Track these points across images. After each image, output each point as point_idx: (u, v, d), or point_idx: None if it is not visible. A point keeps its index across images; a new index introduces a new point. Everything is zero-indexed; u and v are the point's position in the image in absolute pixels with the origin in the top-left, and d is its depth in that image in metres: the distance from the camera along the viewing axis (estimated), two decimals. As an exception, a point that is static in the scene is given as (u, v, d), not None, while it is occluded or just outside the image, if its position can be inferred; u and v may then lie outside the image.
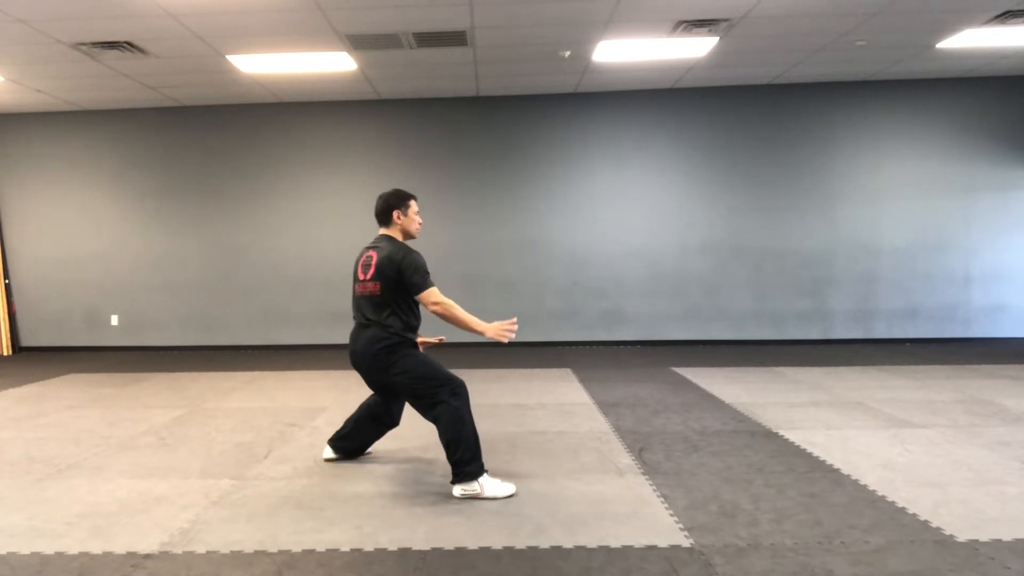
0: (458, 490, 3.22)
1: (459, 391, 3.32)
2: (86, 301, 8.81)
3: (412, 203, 3.56)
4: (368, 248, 3.53)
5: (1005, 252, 8.26)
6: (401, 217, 3.51)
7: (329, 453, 3.82)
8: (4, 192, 8.85)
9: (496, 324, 3.35)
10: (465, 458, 3.23)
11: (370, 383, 3.59)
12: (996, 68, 7.78)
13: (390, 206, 3.51)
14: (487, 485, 3.21)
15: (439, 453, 3.91)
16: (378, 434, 3.81)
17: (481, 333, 3.34)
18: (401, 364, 3.36)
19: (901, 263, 8.31)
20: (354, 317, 3.53)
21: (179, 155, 8.68)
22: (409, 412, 4.98)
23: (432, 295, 3.35)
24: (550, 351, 8.09)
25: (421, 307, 3.49)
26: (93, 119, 8.69)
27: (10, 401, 5.64)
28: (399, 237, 3.53)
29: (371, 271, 3.41)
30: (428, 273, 3.38)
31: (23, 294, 8.89)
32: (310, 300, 8.63)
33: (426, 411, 3.35)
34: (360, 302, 3.47)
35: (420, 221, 3.58)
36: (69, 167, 8.75)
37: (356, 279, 3.51)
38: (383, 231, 3.56)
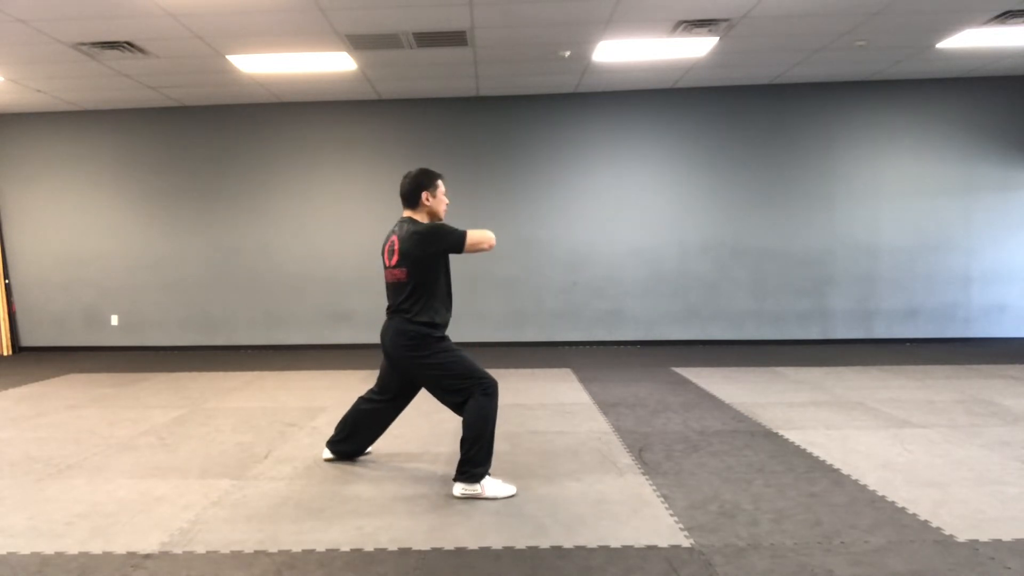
0: (459, 488, 3.20)
1: (490, 391, 3.25)
2: (86, 301, 8.81)
3: (440, 183, 3.39)
4: (392, 232, 3.41)
5: (1005, 252, 8.26)
6: (430, 199, 3.35)
7: (328, 454, 3.82)
8: (4, 192, 8.85)
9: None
10: (476, 459, 3.19)
11: (396, 376, 3.50)
12: (996, 68, 7.78)
13: (419, 186, 3.34)
14: (488, 486, 3.20)
15: (439, 453, 3.92)
16: (375, 435, 3.78)
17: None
18: (433, 359, 3.28)
19: (901, 263, 8.31)
20: (387, 306, 3.43)
21: (179, 155, 8.68)
22: (408, 412, 4.98)
23: (472, 237, 3.22)
24: (550, 351, 8.09)
25: (452, 296, 3.43)
26: (93, 119, 8.69)
27: (10, 401, 5.64)
28: (425, 220, 3.37)
29: (396, 256, 3.30)
30: (456, 229, 3.27)
31: (23, 294, 8.89)
32: (310, 300, 8.63)
33: (454, 407, 3.31)
34: (389, 289, 3.39)
35: (447, 202, 3.42)
36: (69, 167, 8.75)
37: (384, 266, 3.41)
38: (407, 213, 3.39)
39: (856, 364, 6.79)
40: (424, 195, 3.35)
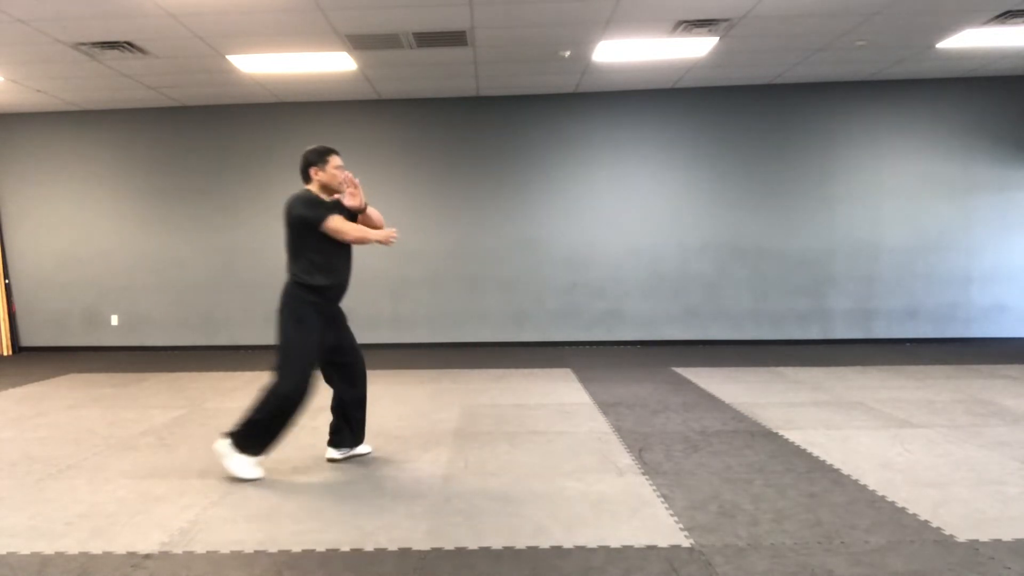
0: (220, 445, 3.42)
1: (291, 394, 3.34)
2: (86, 301, 8.81)
3: (332, 158, 3.59)
4: None
5: (1005, 252, 8.26)
6: (319, 172, 3.56)
7: (333, 454, 3.83)
8: (4, 192, 8.85)
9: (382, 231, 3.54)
10: (249, 433, 3.38)
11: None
12: (996, 68, 7.78)
13: (308, 163, 3.59)
14: (235, 460, 3.39)
15: (439, 453, 3.93)
16: (358, 409, 3.80)
17: (372, 240, 3.50)
18: (284, 322, 3.47)
19: (901, 263, 8.31)
20: None
21: (179, 155, 8.68)
22: (409, 411, 4.98)
23: (332, 222, 3.44)
24: (550, 351, 8.09)
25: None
26: (93, 119, 8.69)
27: (10, 401, 5.64)
28: (321, 193, 3.58)
29: None
30: (321, 206, 3.47)
31: (23, 294, 8.89)
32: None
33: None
34: None
35: (343, 175, 3.56)
36: (69, 167, 8.75)
37: None
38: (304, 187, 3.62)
39: (856, 364, 6.78)
40: (312, 170, 3.59)
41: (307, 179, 3.62)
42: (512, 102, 8.44)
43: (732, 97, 8.30)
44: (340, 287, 3.64)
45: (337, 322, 3.68)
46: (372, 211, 3.68)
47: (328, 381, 3.79)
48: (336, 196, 3.62)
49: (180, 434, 4.44)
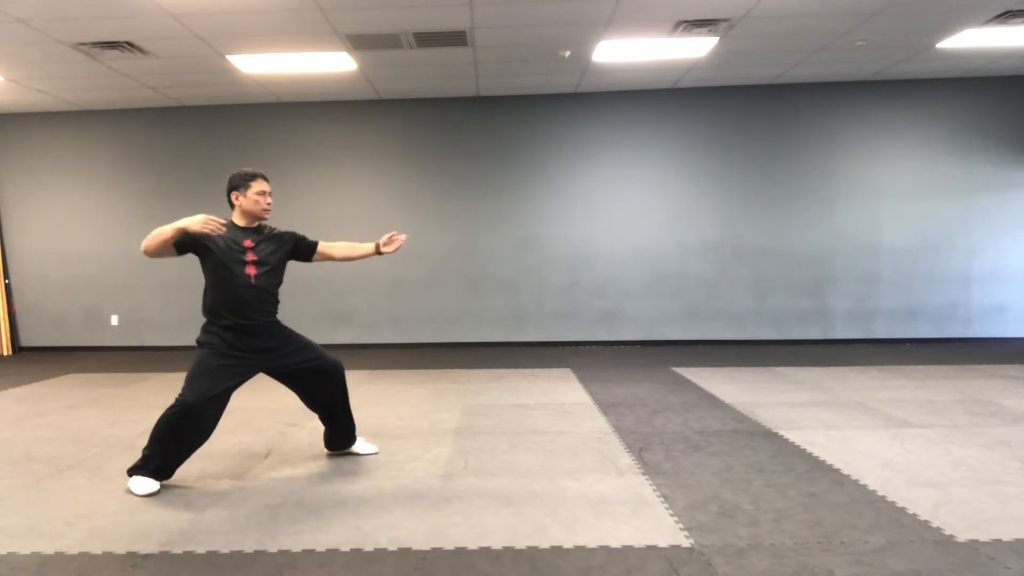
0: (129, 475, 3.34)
1: (181, 412, 3.28)
2: (86, 301, 8.81)
3: (255, 183, 3.37)
4: None
5: (1005, 252, 8.26)
6: (240, 198, 3.38)
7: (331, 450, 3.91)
8: (4, 192, 8.85)
9: (199, 217, 3.22)
10: (145, 454, 3.31)
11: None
12: (996, 68, 7.78)
13: (230, 187, 3.40)
14: (132, 481, 3.29)
15: (439, 453, 3.93)
16: (341, 411, 3.77)
17: (184, 230, 3.22)
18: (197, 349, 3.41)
19: (901, 263, 8.31)
20: None
21: (179, 155, 8.68)
22: (409, 411, 4.98)
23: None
24: (550, 351, 8.09)
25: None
26: (93, 119, 8.70)
27: (10, 401, 5.64)
28: (242, 220, 3.42)
29: None
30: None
31: (23, 294, 8.89)
32: (310, 300, 8.62)
33: None
34: None
35: (269, 201, 3.40)
36: (69, 167, 8.75)
37: None
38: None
39: (856, 364, 6.78)
40: (233, 195, 3.41)
41: (230, 205, 3.43)
42: (512, 102, 8.44)
43: (732, 97, 8.30)
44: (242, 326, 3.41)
45: (272, 352, 3.53)
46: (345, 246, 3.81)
47: (307, 401, 3.71)
48: (259, 223, 3.45)
49: (180, 434, 4.44)
